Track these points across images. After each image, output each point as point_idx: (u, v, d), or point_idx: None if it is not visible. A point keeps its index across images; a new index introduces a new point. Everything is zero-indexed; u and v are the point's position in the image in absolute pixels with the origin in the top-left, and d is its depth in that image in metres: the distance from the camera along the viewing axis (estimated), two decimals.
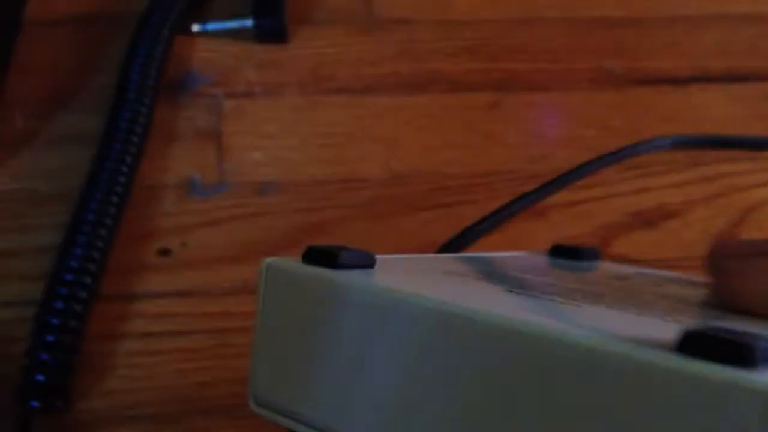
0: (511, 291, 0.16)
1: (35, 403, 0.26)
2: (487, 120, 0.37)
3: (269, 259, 0.16)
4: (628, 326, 0.13)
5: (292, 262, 0.16)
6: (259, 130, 0.35)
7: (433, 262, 0.19)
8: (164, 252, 0.32)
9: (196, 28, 0.36)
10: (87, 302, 0.28)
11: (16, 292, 0.30)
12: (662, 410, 0.11)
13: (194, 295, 0.31)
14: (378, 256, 0.17)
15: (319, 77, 0.37)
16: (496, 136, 0.36)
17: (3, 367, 0.28)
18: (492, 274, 0.19)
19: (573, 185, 0.34)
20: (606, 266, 0.22)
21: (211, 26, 0.37)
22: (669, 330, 0.12)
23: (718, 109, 0.38)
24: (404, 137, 0.36)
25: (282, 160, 0.35)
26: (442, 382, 0.13)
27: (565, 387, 0.12)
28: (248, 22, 0.36)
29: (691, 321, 0.14)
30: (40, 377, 0.26)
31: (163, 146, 0.34)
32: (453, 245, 0.25)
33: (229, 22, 0.37)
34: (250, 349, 0.17)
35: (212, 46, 0.37)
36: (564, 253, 0.23)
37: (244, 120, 0.35)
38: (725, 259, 0.16)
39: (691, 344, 0.11)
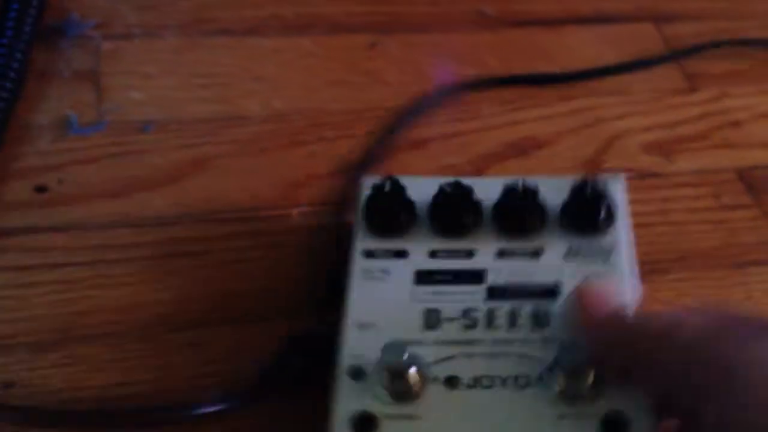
0: None
1: None
2: (367, 59, 0.38)
3: None
4: None
5: None
6: (139, 70, 0.35)
7: None
8: (40, 189, 0.31)
9: None
10: None
11: None
12: None
13: (71, 229, 0.31)
14: None
15: (200, 20, 0.37)
16: (376, 74, 0.37)
17: None
18: None
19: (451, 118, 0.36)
20: None
21: None
22: None
23: (588, 49, 0.40)
24: (286, 77, 0.37)
25: (162, 99, 0.35)
26: None
27: None
28: None
29: None
30: None
31: (39, 88, 0.34)
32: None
33: None
34: None
35: None
36: None
37: (122, 61, 0.35)
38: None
39: None
